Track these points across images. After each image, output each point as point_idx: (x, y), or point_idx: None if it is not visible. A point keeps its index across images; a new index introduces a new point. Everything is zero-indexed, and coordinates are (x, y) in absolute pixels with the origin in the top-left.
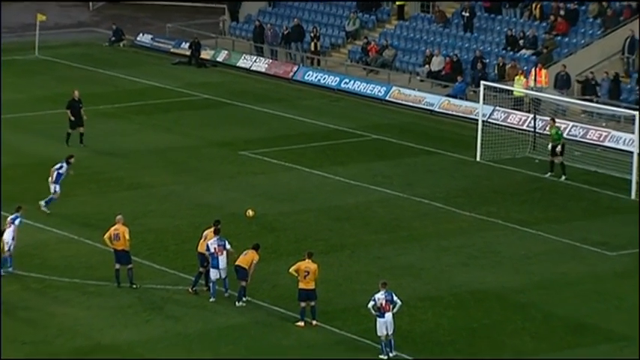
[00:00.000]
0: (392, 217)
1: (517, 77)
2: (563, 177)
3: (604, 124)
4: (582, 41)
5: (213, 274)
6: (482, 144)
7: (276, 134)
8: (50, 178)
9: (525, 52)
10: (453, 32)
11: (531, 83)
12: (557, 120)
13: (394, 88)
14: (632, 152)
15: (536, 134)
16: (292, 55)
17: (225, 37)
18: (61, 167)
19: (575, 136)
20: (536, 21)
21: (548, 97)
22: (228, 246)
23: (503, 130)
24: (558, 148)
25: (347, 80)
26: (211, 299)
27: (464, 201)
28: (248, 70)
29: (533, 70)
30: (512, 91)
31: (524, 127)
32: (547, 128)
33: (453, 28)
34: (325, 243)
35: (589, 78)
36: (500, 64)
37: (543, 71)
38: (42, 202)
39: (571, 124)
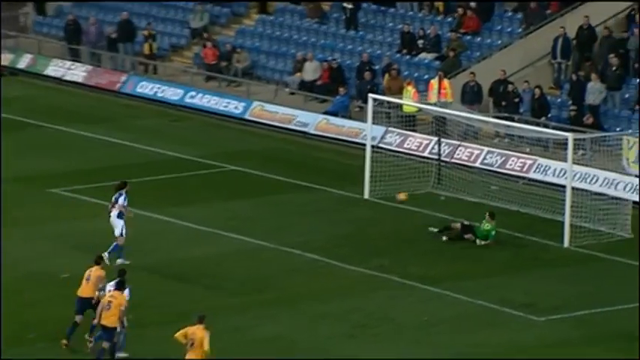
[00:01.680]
0: (254, 275)
1: (405, 88)
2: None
3: (527, 150)
4: (498, 42)
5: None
6: (371, 176)
7: (97, 165)
8: (112, 215)
9: (426, 56)
10: (332, 30)
11: (432, 97)
12: (468, 145)
13: (255, 103)
14: (563, 186)
15: (442, 163)
16: (120, 60)
17: (28, 35)
18: (120, 196)
19: (491, 165)
20: (439, 16)
21: (451, 113)
22: (127, 294)
23: (399, 157)
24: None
25: (193, 93)
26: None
27: (348, 252)
28: (60, 81)
29: (436, 79)
30: (405, 106)
31: (426, 154)
32: (483, 222)
33: (332, 25)
34: (162, 312)
35: (507, 90)
36: (392, 71)
37: (445, 81)
38: (105, 254)
39: (485, 149)
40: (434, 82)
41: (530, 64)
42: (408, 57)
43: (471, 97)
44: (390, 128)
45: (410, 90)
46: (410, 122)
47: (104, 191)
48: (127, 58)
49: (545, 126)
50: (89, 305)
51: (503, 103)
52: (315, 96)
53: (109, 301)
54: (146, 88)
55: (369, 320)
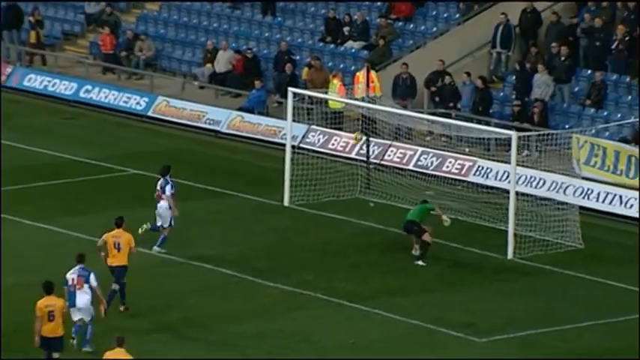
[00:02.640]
0: (159, 293)
1: (330, 81)
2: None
3: (466, 150)
4: (434, 29)
5: (73, 314)
6: (292, 181)
7: None
8: (161, 205)
9: (352, 45)
10: (247, 15)
11: (359, 91)
12: (400, 145)
13: (160, 98)
14: (506, 191)
15: (371, 165)
16: (4, 49)
17: None
18: (167, 184)
19: (426, 167)
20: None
21: (381, 109)
22: (94, 281)
23: (324, 160)
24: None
25: (89, 87)
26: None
27: (266, 266)
28: None
29: (363, 71)
30: (330, 102)
31: (353, 155)
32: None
33: (247, 10)
34: None
35: (444, 83)
36: (315, 62)
37: (372, 73)
38: (156, 248)
39: (419, 150)
40: (360, 75)
41: (469, 54)
42: (332, 46)
43: (403, 90)
44: (312, 126)
45: (335, 83)
46: (335, 120)
47: None
48: (12, 48)
49: (487, 123)
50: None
51: (438, 99)
52: (228, 90)
53: (117, 242)
54: (35, 81)
55: (288, 343)
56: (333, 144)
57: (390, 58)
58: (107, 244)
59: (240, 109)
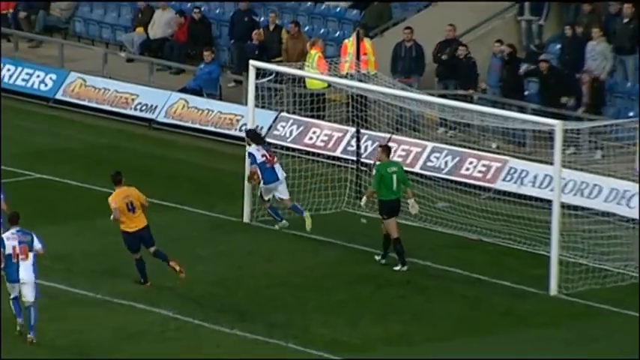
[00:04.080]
0: (73, 340)
1: (308, 52)
2: (400, 267)
3: (494, 147)
4: None
5: (11, 289)
6: (255, 189)
7: None
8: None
9: (338, 4)
10: None
11: (346, 66)
12: (402, 139)
13: (73, 76)
14: (549, 201)
15: (362, 167)
16: None
17: None
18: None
19: (438, 169)
20: None
21: (377, 90)
22: (39, 245)
23: (298, 159)
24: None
25: None
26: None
27: (219, 304)
28: None
29: (352, 38)
30: (308, 80)
31: (339, 154)
32: (374, 163)
33: None
34: None
35: (459, 55)
36: (291, 27)
37: (366, 42)
38: (282, 222)
39: (428, 146)
40: (349, 43)
41: (490, 19)
42: (309, 4)
43: (407, 64)
44: (283, 114)
45: (314, 55)
46: (315, 104)
47: None
48: None
49: (521, 110)
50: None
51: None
52: (167, 64)
53: (129, 202)
54: None
55: None
56: (311, 138)
57: (389, 20)
58: (120, 209)
59: (183, 90)
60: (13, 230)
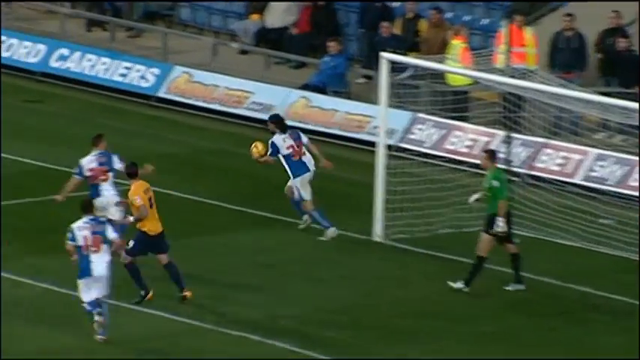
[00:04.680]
0: None
1: (450, 43)
2: (513, 286)
3: None
4: None
5: (82, 286)
6: (388, 202)
7: None
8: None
9: None
10: None
11: (501, 59)
12: (560, 145)
13: (178, 70)
14: None
15: (513, 178)
16: None
17: None
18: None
19: (602, 181)
20: None
21: (534, 88)
22: (113, 234)
23: (438, 168)
24: (500, 224)
25: (65, 52)
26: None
27: (344, 336)
28: None
29: (505, 27)
30: (450, 76)
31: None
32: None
33: None
34: None
35: (619, 48)
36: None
37: (527, 31)
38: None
39: (592, 153)
40: (504, 33)
41: None
42: None
43: (566, 57)
44: (420, 115)
45: (457, 46)
46: (458, 104)
47: None
48: None
49: None
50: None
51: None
52: (286, 57)
53: (150, 197)
54: None
55: None
56: (453, 143)
57: (546, 6)
58: (144, 206)
59: (305, 87)
60: (85, 219)
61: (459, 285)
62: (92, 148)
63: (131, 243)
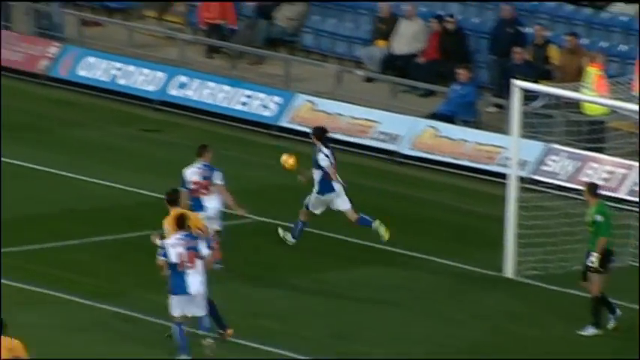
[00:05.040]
0: None
1: (585, 70)
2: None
3: None
4: None
5: (175, 306)
6: (519, 237)
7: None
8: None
9: (623, 9)
10: None
11: (638, 88)
12: None
13: (301, 98)
14: None
15: None
16: (49, 16)
17: None
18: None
19: None
20: None
21: None
22: (206, 250)
23: (574, 201)
24: (592, 259)
25: (184, 79)
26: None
27: None
28: None
29: None
30: (586, 105)
31: (622, 195)
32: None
33: None
34: None
35: None
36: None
37: None
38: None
39: None
40: None
41: None
42: (588, 11)
43: None
44: (554, 146)
45: (592, 73)
46: (594, 134)
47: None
48: (57, 15)
49: None
50: None
51: None
52: (414, 84)
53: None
54: (96, 68)
55: None
56: (588, 175)
57: None
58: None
59: (433, 117)
60: (179, 235)
61: (590, 331)
62: (196, 159)
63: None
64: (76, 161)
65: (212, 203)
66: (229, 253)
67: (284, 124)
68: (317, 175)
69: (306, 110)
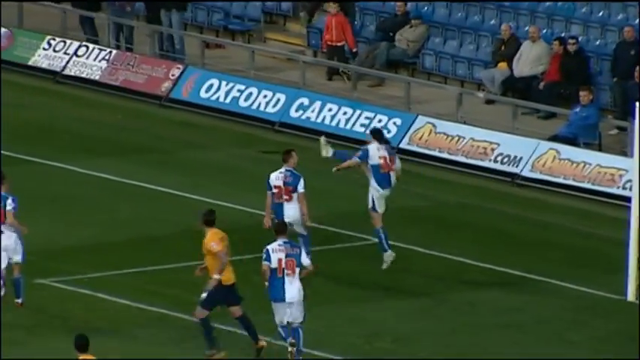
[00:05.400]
0: None
1: None
2: None
3: None
4: None
5: (276, 310)
6: None
7: (121, 237)
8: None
9: None
10: None
11: None
12: None
13: (422, 120)
14: None
15: None
16: (167, 38)
17: None
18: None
19: None
20: None
21: None
22: (307, 260)
23: None
24: None
25: (304, 101)
26: None
27: None
28: (58, 77)
29: None
30: None
31: None
32: None
33: None
34: None
35: None
36: None
37: None
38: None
39: None
40: None
41: None
42: None
43: None
44: None
45: None
46: None
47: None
48: (181, 37)
49: None
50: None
51: None
52: (535, 107)
53: (226, 245)
54: (217, 90)
55: None
56: None
57: None
58: (223, 252)
59: (554, 139)
60: (279, 242)
61: None
62: (282, 164)
63: (204, 295)
64: (197, 182)
65: (291, 210)
66: (346, 276)
67: (404, 146)
68: (369, 170)
69: (426, 132)
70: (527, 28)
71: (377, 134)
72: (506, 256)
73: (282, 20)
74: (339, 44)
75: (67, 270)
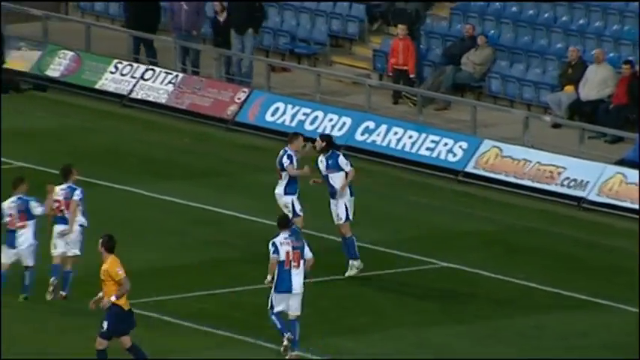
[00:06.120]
0: None
1: None
2: None
3: None
4: None
5: (279, 302)
6: None
7: (185, 260)
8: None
9: None
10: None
11: None
12: None
13: (488, 144)
14: None
15: None
16: (236, 61)
17: (68, 16)
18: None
19: None
20: None
21: None
22: (309, 253)
23: None
24: None
25: (370, 125)
26: None
27: None
28: (125, 100)
29: None
30: None
31: None
32: None
33: None
34: None
35: None
36: None
37: None
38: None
39: None
40: None
41: None
42: None
43: None
44: None
45: None
46: None
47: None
48: (247, 58)
49: None
50: None
51: None
52: (602, 130)
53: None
54: (282, 114)
55: None
56: None
57: None
58: (127, 278)
59: (621, 162)
60: (284, 235)
61: None
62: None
63: (105, 324)
64: (262, 206)
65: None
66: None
67: (470, 169)
68: (339, 178)
69: (492, 156)
70: (593, 52)
71: (328, 140)
72: (572, 280)
73: (348, 44)
74: (405, 68)
75: (133, 293)
